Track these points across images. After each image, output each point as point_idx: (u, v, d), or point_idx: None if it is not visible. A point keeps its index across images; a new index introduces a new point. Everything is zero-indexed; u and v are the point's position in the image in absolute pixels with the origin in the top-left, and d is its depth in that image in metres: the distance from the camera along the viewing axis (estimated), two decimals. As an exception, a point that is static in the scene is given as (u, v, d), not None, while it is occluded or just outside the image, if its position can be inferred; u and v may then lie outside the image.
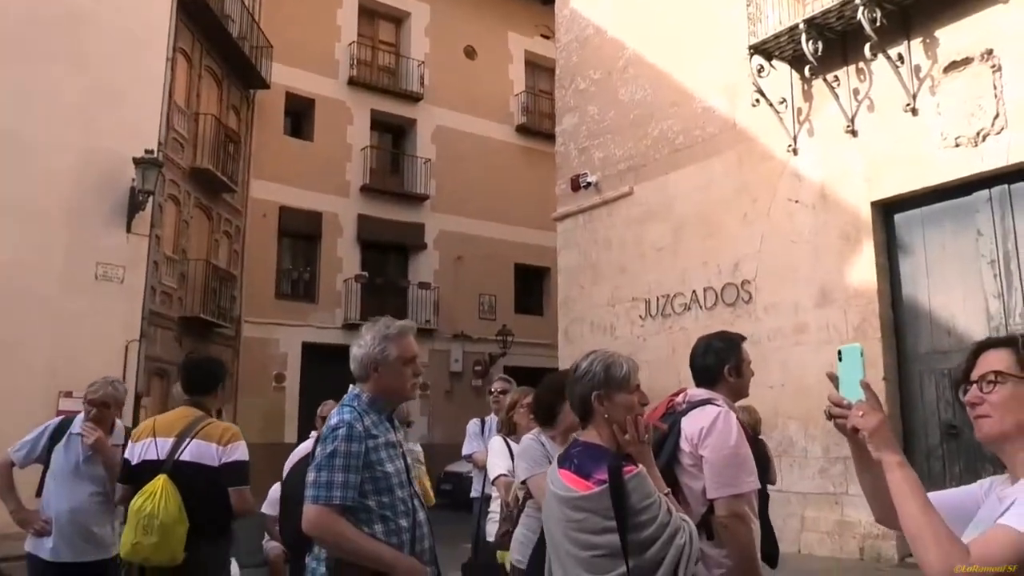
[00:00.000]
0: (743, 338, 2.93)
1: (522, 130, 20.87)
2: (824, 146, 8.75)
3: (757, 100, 9.12)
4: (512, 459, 3.98)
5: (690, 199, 10.21)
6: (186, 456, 3.40)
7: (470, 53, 20.58)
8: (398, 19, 20.20)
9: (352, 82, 18.64)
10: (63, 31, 11.36)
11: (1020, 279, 7.18)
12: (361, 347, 2.60)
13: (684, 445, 2.64)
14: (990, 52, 7.34)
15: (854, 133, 8.44)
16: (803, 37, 8.36)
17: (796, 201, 8.94)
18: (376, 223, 18.41)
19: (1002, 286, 7.30)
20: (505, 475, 3.94)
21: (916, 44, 7.93)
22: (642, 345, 10.33)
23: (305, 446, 4.16)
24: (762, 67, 9.00)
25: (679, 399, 2.82)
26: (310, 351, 16.83)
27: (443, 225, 19.34)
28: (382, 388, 2.59)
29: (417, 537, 2.53)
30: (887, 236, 8.31)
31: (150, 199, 11.99)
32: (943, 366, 7.64)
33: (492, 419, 5.82)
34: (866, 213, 8.29)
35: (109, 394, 3.84)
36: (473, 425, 6.23)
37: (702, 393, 2.78)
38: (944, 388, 7.65)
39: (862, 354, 1.58)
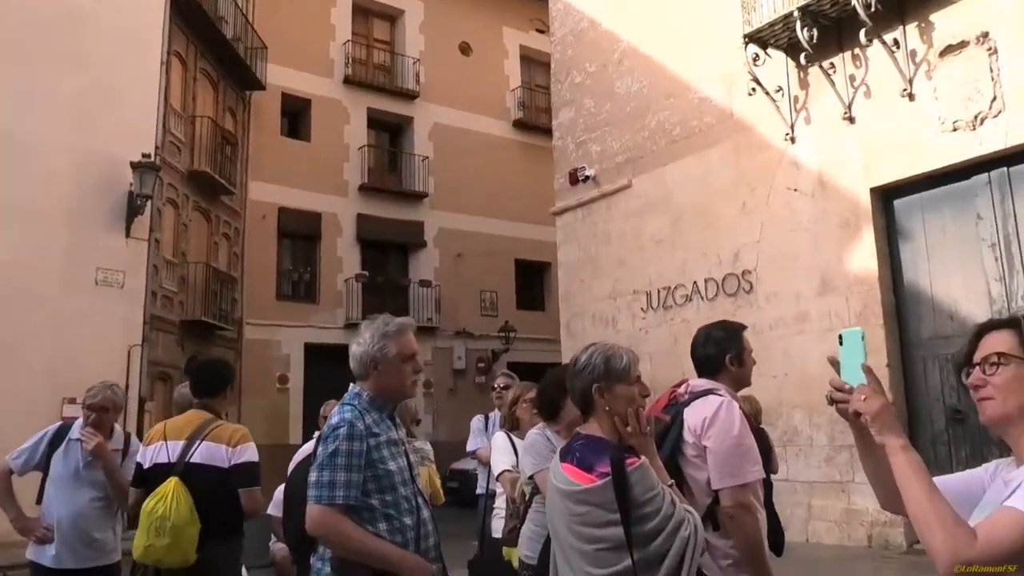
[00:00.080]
0: (744, 327, 2.92)
1: (519, 125, 20.84)
2: (821, 133, 8.73)
3: (753, 89, 9.09)
4: (516, 454, 3.98)
5: (688, 190, 10.19)
6: (196, 458, 3.46)
7: (465, 49, 20.53)
8: (392, 17, 20.15)
9: (348, 81, 18.61)
10: (57, 35, 11.33)
11: (1021, 262, 7.16)
12: (360, 345, 2.59)
13: (687, 436, 2.63)
14: (986, 35, 7.31)
15: (851, 120, 8.41)
16: (798, 24, 8.33)
17: (795, 189, 8.92)
18: (375, 222, 18.39)
19: (1003, 269, 7.28)
20: (509, 471, 3.94)
21: (911, 29, 7.90)
22: (644, 337, 10.32)
23: (308, 446, 4.14)
24: (757, 56, 8.97)
25: (681, 390, 2.81)
26: (312, 352, 16.83)
27: (442, 222, 19.32)
28: (382, 386, 2.58)
29: (422, 535, 2.52)
30: (887, 222, 8.29)
31: (148, 203, 11.97)
32: (946, 351, 7.62)
33: (496, 415, 5.81)
34: (865, 200, 8.27)
35: (108, 398, 3.82)
36: (477, 421, 6.22)
37: (704, 383, 2.77)
38: (948, 373, 7.63)
39: (863, 338, 1.57)
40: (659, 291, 10.47)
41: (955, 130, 7.48)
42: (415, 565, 2.42)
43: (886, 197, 8.29)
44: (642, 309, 10.71)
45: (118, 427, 3.98)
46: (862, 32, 7.95)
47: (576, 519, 2.08)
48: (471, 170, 19.43)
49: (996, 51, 7.22)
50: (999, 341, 1.50)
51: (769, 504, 2.73)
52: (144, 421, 11.62)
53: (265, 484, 3.72)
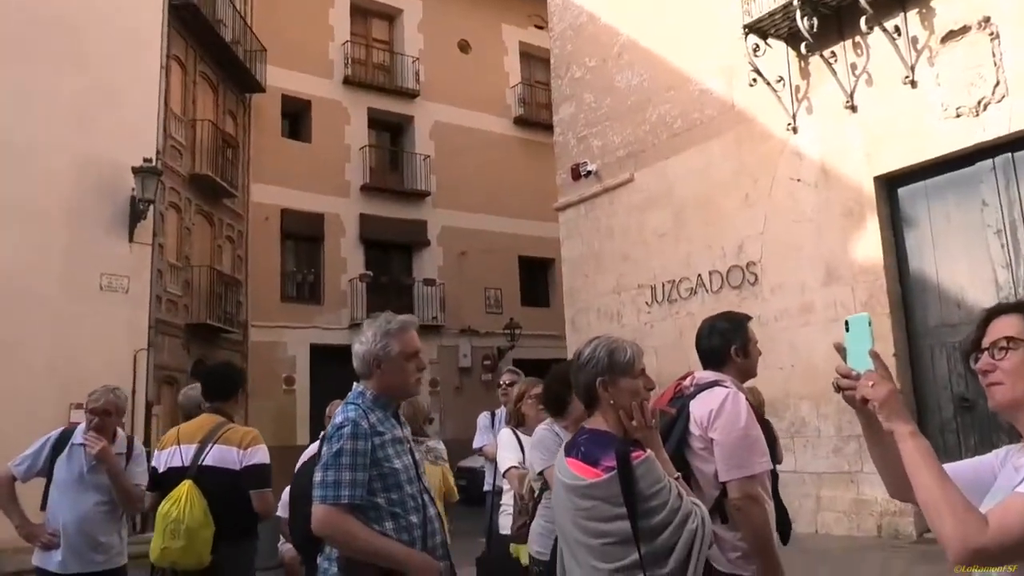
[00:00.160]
0: (748, 317, 2.89)
1: (520, 122, 20.81)
2: (824, 123, 8.68)
3: (754, 80, 9.04)
4: (522, 450, 3.97)
5: (691, 183, 10.16)
6: (209, 461, 3.52)
7: (464, 47, 20.51)
8: (391, 16, 20.13)
9: (348, 82, 18.60)
10: (57, 41, 11.34)
11: (1028, 248, 7.11)
12: (363, 344, 2.58)
13: (694, 429, 2.61)
14: (987, 19, 7.25)
15: (853, 108, 8.36)
16: (798, 14, 8.28)
17: (798, 180, 8.88)
18: (378, 222, 18.39)
19: (1009, 255, 7.24)
20: (516, 467, 3.93)
21: (912, 15, 7.85)
22: (649, 331, 10.30)
23: (314, 447, 4.15)
24: (758, 46, 8.92)
25: (687, 382, 2.79)
26: (318, 352, 16.85)
27: (445, 221, 19.31)
28: (386, 384, 2.57)
29: (429, 532, 2.51)
30: (891, 211, 8.24)
31: (151, 208, 11.99)
32: (953, 339, 7.58)
33: (502, 412, 5.81)
34: (869, 188, 8.22)
35: (111, 402, 3.83)
36: (483, 418, 6.22)
37: (709, 375, 2.75)
38: (956, 361, 7.60)
39: (870, 323, 1.54)
40: (663, 285, 10.44)
41: (958, 116, 7.43)
42: (422, 563, 2.41)
43: (890, 185, 8.24)
44: (647, 303, 10.68)
45: (121, 431, 3.98)
46: (863, 20, 7.90)
47: (582, 514, 2.07)
48: (473, 168, 19.41)
49: (998, 36, 7.17)
50: (1008, 325, 1.47)
51: (775, 495, 2.71)
52: (152, 425, 11.66)
53: (273, 486, 3.73)
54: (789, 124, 8.95)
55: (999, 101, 7.16)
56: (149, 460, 4.96)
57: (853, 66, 8.37)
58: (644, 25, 11.11)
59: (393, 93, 19.26)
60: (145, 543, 5.48)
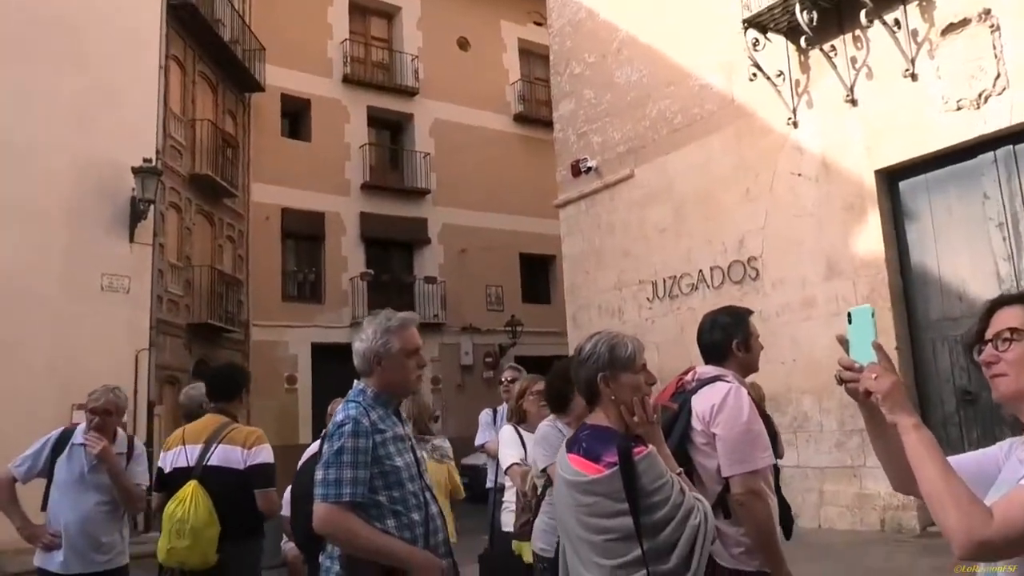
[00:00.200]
0: (750, 312, 2.88)
1: (520, 119, 20.79)
2: (824, 117, 8.66)
3: (754, 75, 9.02)
4: (524, 447, 3.96)
5: (691, 178, 10.14)
6: (214, 461, 3.55)
7: (463, 44, 20.48)
8: (389, 14, 20.10)
9: (347, 80, 18.59)
10: (55, 41, 11.34)
11: (1029, 240, 7.09)
12: (363, 341, 2.57)
13: (696, 424, 2.60)
14: (988, 12, 7.22)
15: (854, 102, 8.34)
16: (797, 7, 8.26)
17: (798, 174, 8.86)
18: (379, 220, 18.39)
19: (1011, 248, 7.22)
20: (518, 464, 3.91)
21: (912, 8, 7.82)
22: (650, 327, 10.29)
23: (316, 446, 4.14)
24: (757, 41, 8.90)
25: (688, 377, 2.78)
26: (319, 351, 16.86)
27: (446, 219, 19.29)
28: (386, 382, 2.56)
29: (431, 530, 2.50)
30: (892, 204, 8.22)
31: (151, 208, 11.99)
32: (955, 332, 7.56)
33: (504, 409, 5.79)
34: (870, 182, 8.20)
35: (111, 401, 3.83)
36: (485, 415, 6.20)
37: (711, 370, 2.74)
38: (958, 354, 7.58)
39: (873, 315, 1.52)
40: (664, 280, 10.43)
41: (959, 109, 7.41)
42: (424, 561, 2.40)
43: (891, 179, 8.22)
44: (648, 299, 10.67)
45: (121, 431, 3.98)
46: (862, 13, 7.88)
47: (584, 510, 2.06)
48: (473, 165, 19.40)
49: (998, 28, 7.14)
50: (1011, 316, 1.46)
51: (777, 490, 2.70)
52: (154, 425, 11.67)
53: (276, 485, 3.74)
54: (789, 118, 8.93)
55: (1000, 93, 7.13)
56: (151, 460, 4.96)
57: (853, 60, 8.35)
58: (643, 20, 11.09)
59: (392, 91, 19.25)
60: (148, 543, 5.49)
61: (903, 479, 1.53)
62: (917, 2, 7.78)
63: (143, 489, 3.99)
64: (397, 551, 2.38)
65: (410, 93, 19.38)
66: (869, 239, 8.15)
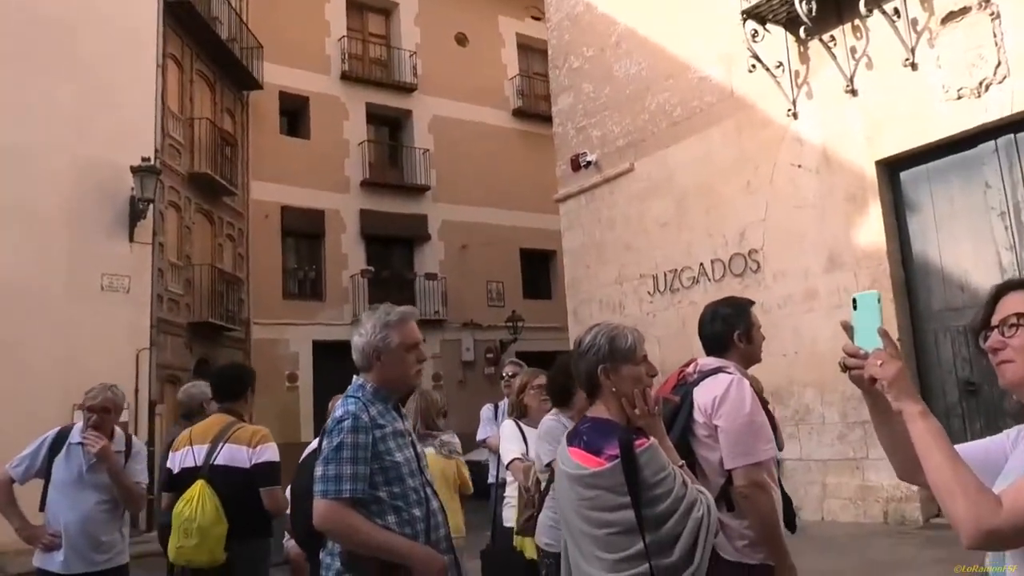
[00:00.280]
0: (751, 302, 2.86)
1: (519, 114, 20.74)
2: (824, 108, 8.62)
3: (753, 66, 8.98)
4: (525, 442, 3.94)
5: (691, 171, 10.11)
6: (220, 460, 3.58)
7: (461, 40, 20.43)
8: (387, 11, 20.05)
9: (345, 77, 18.54)
10: (52, 42, 11.31)
11: (1032, 229, 7.06)
12: (362, 336, 2.54)
13: (698, 416, 2.58)
14: None
15: (854, 92, 8.30)
16: (796, -2, 8.22)
17: (799, 166, 8.83)
18: (379, 217, 18.36)
19: (1014, 238, 7.19)
20: (519, 459, 3.90)
21: (912, -4, 7.79)
22: (652, 321, 10.26)
23: (317, 443, 4.13)
24: (756, 32, 8.85)
25: (690, 369, 2.76)
26: (321, 349, 16.83)
27: (446, 215, 19.26)
28: (386, 377, 2.53)
29: (432, 526, 2.48)
30: (893, 195, 8.19)
31: (151, 207, 11.97)
32: (958, 323, 7.54)
33: (505, 404, 5.78)
34: (871, 173, 8.16)
35: (108, 399, 3.81)
36: (487, 410, 6.19)
37: (713, 362, 2.72)
38: (960, 345, 7.56)
39: (879, 301, 1.49)
40: (665, 274, 10.40)
41: (960, 98, 7.37)
42: (425, 557, 2.38)
43: (892, 169, 8.19)
44: (649, 293, 10.64)
45: (119, 429, 3.96)
46: (861, 3, 7.83)
47: (585, 504, 2.03)
48: (472, 161, 19.36)
49: (999, 16, 7.10)
50: (1018, 302, 1.43)
51: (778, 482, 2.68)
52: (155, 425, 11.66)
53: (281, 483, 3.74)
54: (789, 110, 8.89)
55: (1001, 82, 7.09)
56: (151, 459, 4.95)
57: (853, 50, 8.31)
58: (641, 13, 11.04)
59: (391, 87, 19.20)
60: (151, 542, 5.48)
61: (908, 468, 1.50)
62: (916, -9, 7.74)
63: (143, 487, 3.97)
64: (398, 547, 2.35)
65: (408, 89, 19.33)
66: (870, 230, 8.12)
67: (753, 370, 2.82)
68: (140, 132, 12.12)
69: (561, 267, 13.24)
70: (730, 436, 2.50)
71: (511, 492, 4.10)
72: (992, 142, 7.36)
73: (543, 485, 3.34)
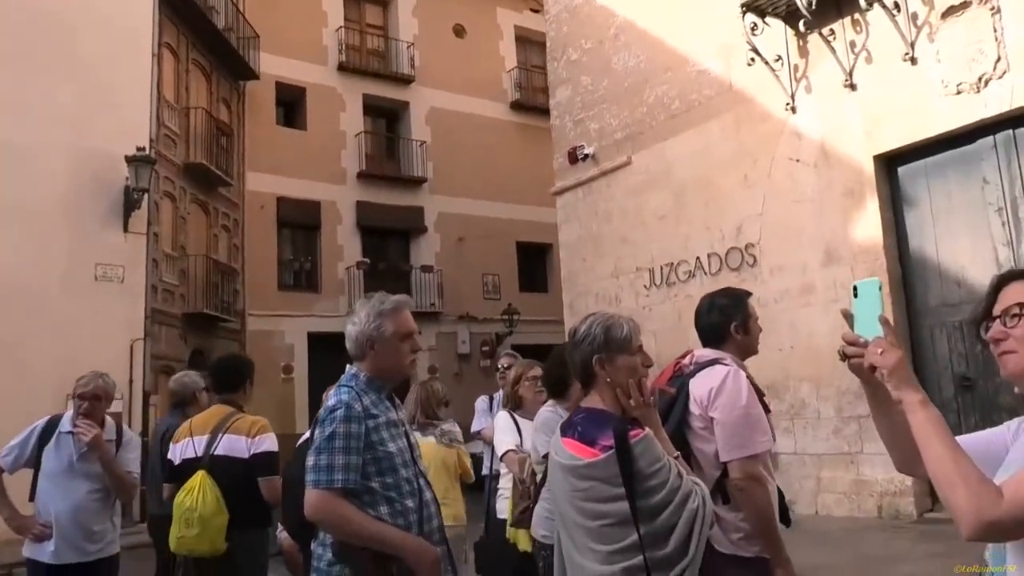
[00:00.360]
0: (748, 293, 2.83)
1: (516, 106, 20.68)
2: (823, 102, 8.59)
3: (752, 59, 8.94)
4: (519, 433, 3.92)
5: (689, 165, 10.08)
6: (220, 451, 3.61)
7: (459, 32, 20.35)
8: (384, 1, 19.96)
9: (342, 68, 18.46)
10: (48, 31, 11.24)
11: (1029, 225, 7.05)
12: (356, 325, 2.52)
13: (693, 408, 2.56)
14: (989, -6, 7.16)
15: (853, 87, 8.28)
16: (796, -9, 8.18)
17: (797, 160, 8.80)
18: (375, 209, 18.30)
19: (1011, 234, 7.17)
20: (513, 450, 3.88)
21: (912, -10, 7.75)
22: (648, 315, 10.24)
23: (309, 433, 4.11)
24: (756, 25, 8.81)
25: (686, 361, 2.73)
26: (316, 341, 16.79)
27: (442, 207, 19.21)
28: (379, 366, 2.51)
29: (425, 517, 2.46)
30: (891, 190, 8.17)
31: (145, 197, 11.92)
32: (954, 319, 7.54)
33: (500, 395, 5.76)
34: (869, 168, 8.14)
35: (100, 387, 3.79)
36: (481, 402, 6.17)
37: (709, 353, 2.69)
38: (956, 341, 7.56)
39: (880, 288, 1.46)
40: (662, 268, 10.38)
41: (959, 93, 7.35)
42: (418, 548, 2.36)
43: (890, 164, 8.17)
44: (645, 286, 10.63)
45: (109, 418, 3.93)
46: (861, -4, 7.81)
47: (579, 495, 2.01)
48: (469, 153, 19.30)
49: (999, 10, 7.07)
50: (1019, 292, 1.41)
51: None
52: (150, 415, 11.63)
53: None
54: (788, 104, 8.86)
55: (1000, 77, 7.07)
56: (146, 450, 4.92)
57: (852, 44, 8.28)
58: (640, 5, 10.99)
59: (388, 79, 19.12)
60: (142, 533, 5.45)
61: (907, 459, 1.48)
62: (917, -16, 7.71)
63: (135, 477, 3.95)
64: (390, 538, 2.33)
65: (406, 81, 19.26)
66: (868, 225, 8.10)
67: (748, 364, 2.80)
68: (135, 122, 12.06)
69: (557, 260, 13.21)
70: (726, 428, 2.48)
71: (505, 484, 4.08)
72: (991, 138, 7.34)
73: (539, 476, 3.32)
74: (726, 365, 2.59)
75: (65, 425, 3.79)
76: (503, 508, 4.00)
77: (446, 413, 4.33)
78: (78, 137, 11.34)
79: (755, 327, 2.75)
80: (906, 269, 8.01)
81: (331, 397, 2.49)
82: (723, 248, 9.55)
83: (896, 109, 7.85)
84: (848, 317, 1.48)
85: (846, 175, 8.33)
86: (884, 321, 1.40)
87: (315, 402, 15.03)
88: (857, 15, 8.15)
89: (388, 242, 19.04)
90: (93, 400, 3.75)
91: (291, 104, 18.33)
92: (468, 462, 4.26)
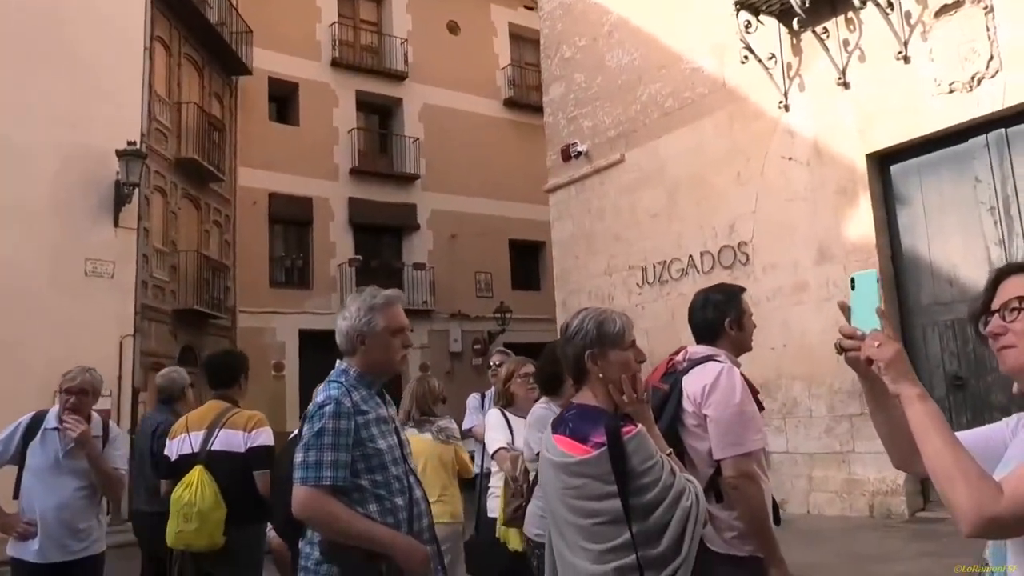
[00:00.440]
0: (743, 289, 2.81)
1: (510, 104, 20.63)
2: (816, 100, 8.59)
3: (746, 57, 8.94)
4: (511, 431, 3.89)
5: (682, 162, 10.06)
6: (217, 446, 3.62)
7: (453, 28, 20.29)
8: (378, -3, 19.89)
9: (335, 64, 18.38)
10: (39, 23, 11.14)
11: (1021, 224, 7.06)
12: (346, 319, 2.49)
13: (687, 405, 2.54)
14: (982, -8, 7.16)
15: (846, 85, 8.27)
16: (790, -11, 8.17)
17: (790, 158, 8.80)
18: (367, 205, 18.24)
19: (1003, 232, 7.18)
20: (504, 448, 3.85)
21: (906, -11, 7.75)
22: (641, 313, 10.22)
23: (299, 430, 4.08)
24: (749, 23, 8.80)
25: (679, 358, 2.71)
26: (307, 338, 16.72)
27: (435, 204, 19.16)
28: (370, 361, 2.48)
29: (415, 515, 2.43)
30: (884, 188, 8.18)
31: (136, 192, 11.83)
32: (946, 317, 7.55)
33: (492, 393, 5.73)
34: (861, 166, 8.15)
35: (87, 381, 3.75)
36: (473, 399, 6.16)
37: (703, 350, 2.67)
38: (948, 340, 7.57)
39: (878, 280, 1.43)
40: (655, 266, 10.37)
41: (951, 92, 7.35)
42: (407, 547, 2.33)
43: (882, 163, 8.17)
44: (638, 284, 10.61)
45: (96, 414, 3.88)
46: (855, -5, 7.81)
47: (571, 492, 1.98)
48: (463, 150, 19.24)
49: (992, 9, 7.08)
50: (1018, 286, 1.38)
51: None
52: (139, 412, 11.54)
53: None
54: (781, 102, 8.85)
55: (993, 76, 7.08)
56: (133, 447, 4.87)
57: (845, 42, 8.27)
58: (634, 3, 10.97)
59: (382, 75, 19.05)
60: (126, 532, 5.38)
61: (905, 455, 1.46)
62: (911, -17, 7.71)
63: (122, 474, 3.91)
64: (379, 536, 2.30)
65: (399, 77, 19.19)
66: (860, 223, 8.10)
67: (740, 362, 2.77)
68: (126, 116, 11.97)
69: (550, 258, 13.18)
70: (719, 426, 2.46)
71: (496, 482, 4.05)
72: (983, 136, 7.35)
73: (532, 475, 3.30)
74: (720, 362, 2.57)
75: (51, 421, 3.74)
76: (494, 507, 3.97)
77: (441, 410, 4.30)
78: (68, 131, 11.24)
79: (749, 323, 2.73)
80: (898, 268, 8.02)
81: (320, 392, 2.46)
82: (716, 246, 9.54)
83: (889, 108, 7.85)
84: (845, 310, 1.45)
85: (839, 173, 8.32)
86: (882, 313, 1.38)
87: (306, 400, 14.86)
88: (851, 13, 8.15)
89: (380, 239, 18.98)
90: (80, 395, 3.71)
91: (284, 99, 18.24)
92: (466, 457, 4.25)
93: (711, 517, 2.37)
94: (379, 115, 19.93)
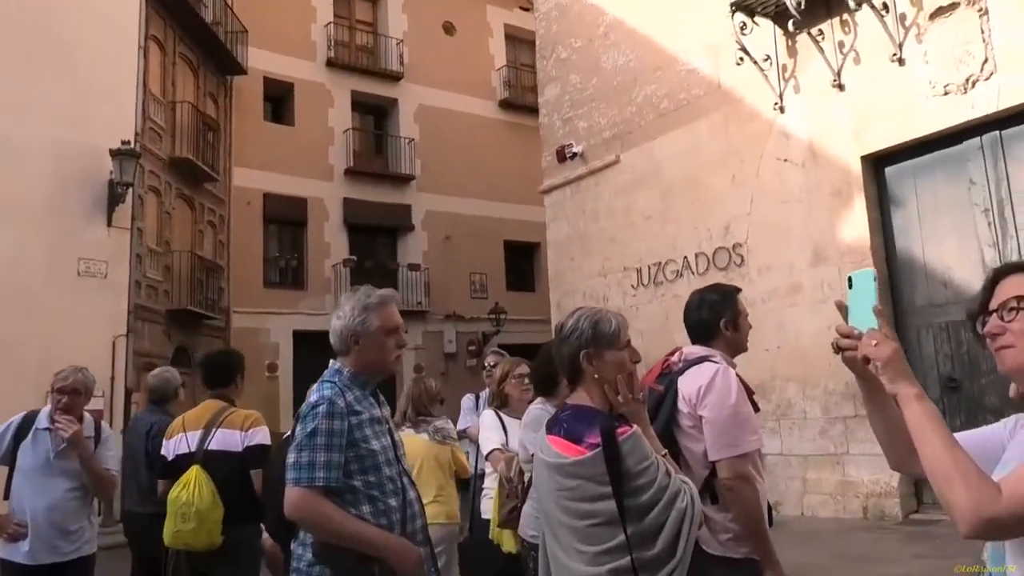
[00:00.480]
0: (738, 289, 2.80)
1: (505, 105, 20.62)
2: (811, 102, 8.60)
3: (741, 59, 8.95)
4: (505, 432, 3.88)
5: (677, 164, 10.06)
6: (214, 445, 3.62)
7: (449, 29, 20.27)
8: (373, -3, 19.87)
9: (331, 64, 18.34)
10: (32, 23, 11.08)
11: (1015, 226, 7.07)
12: (340, 319, 2.47)
13: (682, 406, 2.52)
14: (977, -5, 7.18)
15: (841, 87, 8.29)
16: (785, -9, 8.18)
17: (785, 160, 8.80)
18: (362, 206, 18.20)
19: (997, 234, 7.20)
20: (499, 449, 3.83)
21: (901, -9, 7.77)
22: (635, 314, 10.21)
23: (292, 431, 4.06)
24: (745, 24, 8.82)
25: (675, 358, 2.70)
26: (301, 339, 16.67)
27: (430, 205, 19.13)
28: (364, 361, 2.45)
29: (408, 516, 2.41)
30: (878, 190, 8.19)
31: (130, 191, 11.78)
32: (940, 319, 7.56)
33: (487, 394, 5.71)
34: (856, 168, 8.16)
35: (79, 380, 3.73)
36: (467, 400, 6.14)
37: (698, 350, 2.66)
38: (942, 341, 7.58)
39: (875, 279, 1.42)
40: (649, 267, 10.36)
41: (946, 94, 7.37)
42: (400, 548, 2.31)
43: (877, 165, 8.18)
44: (632, 286, 10.61)
45: (87, 414, 3.85)
46: (850, -3, 7.82)
47: (565, 494, 1.96)
48: (458, 151, 19.23)
49: (987, 12, 7.09)
50: (1017, 285, 1.37)
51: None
52: (131, 412, 11.49)
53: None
54: (776, 103, 8.86)
55: (987, 78, 7.09)
56: (124, 448, 4.83)
57: (840, 44, 8.29)
58: (630, 4, 10.97)
59: (377, 75, 19.02)
60: (118, 533, 5.34)
61: (902, 456, 1.45)
62: (906, -14, 7.72)
63: (114, 474, 3.88)
64: (372, 538, 2.28)
65: (395, 78, 19.16)
66: (855, 225, 8.11)
67: (735, 361, 2.76)
68: (120, 115, 11.91)
69: (545, 260, 13.17)
70: (715, 427, 2.45)
71: (490, 483, 4.03)
72: (977, 139, 7.36)
73: (527, 476, 3.28)
74: (715, 363, 2.55)
75: (42, 421, 3.71)
76: (488, 508, 3.95)
77: (438, 411, 4.28)
78: (62, 130, 11.19)
79: (745, 324, 2.72)
80: (893, 269, 8.03)
81: (313, 392, 2.44)
82: (711, 248, 9.54)
83: (884, 110, 7.86)
84: (843, 309, 1.44)
85: (834, 175, 8.33)
86: (879, 312, 1.36)
87: (300, 400, 14.84)
88: (846, 15, 8.16)
89: (375, 240, 18.94)
90: (72, 395, 3.68)
91: (279, 99, 18.20)
92: (463, 457, 4.23)
93: (706, 519, 2.35)
94: (374, 115, 19.90)
